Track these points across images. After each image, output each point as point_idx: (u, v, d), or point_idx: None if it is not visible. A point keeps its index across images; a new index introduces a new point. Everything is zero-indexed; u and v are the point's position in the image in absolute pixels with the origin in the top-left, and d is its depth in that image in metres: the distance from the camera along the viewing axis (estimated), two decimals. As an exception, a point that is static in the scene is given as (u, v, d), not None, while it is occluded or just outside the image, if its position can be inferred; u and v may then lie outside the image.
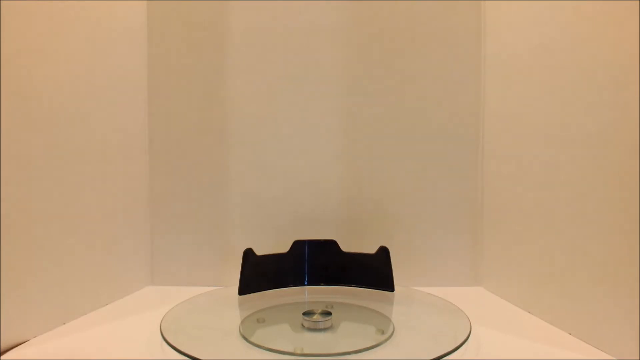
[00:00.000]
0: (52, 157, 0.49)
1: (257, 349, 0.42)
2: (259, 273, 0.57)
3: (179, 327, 0.46)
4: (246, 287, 0.56)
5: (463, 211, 0.65)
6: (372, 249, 0.59)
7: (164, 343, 0.42)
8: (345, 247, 0.60)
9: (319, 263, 0.59)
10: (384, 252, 0.58)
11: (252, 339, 0.44)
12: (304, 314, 0.48)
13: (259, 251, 0.57)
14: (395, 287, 0.57)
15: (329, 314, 0.48)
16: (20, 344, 0.44)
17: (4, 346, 0.42)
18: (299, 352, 0.41)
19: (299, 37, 0.65)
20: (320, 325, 0.46)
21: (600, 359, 0.41)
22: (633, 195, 0.39)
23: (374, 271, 0.58)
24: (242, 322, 0.49)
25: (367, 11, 0.65)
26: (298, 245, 0.59)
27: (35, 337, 0.45)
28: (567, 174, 0.48)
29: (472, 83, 0.65)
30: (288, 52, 0.65)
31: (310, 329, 0.47)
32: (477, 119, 0.65)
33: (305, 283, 0.59)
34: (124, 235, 0.61)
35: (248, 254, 0.56)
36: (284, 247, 0.59)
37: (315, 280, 0.59)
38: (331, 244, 0.60)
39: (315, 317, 0.47)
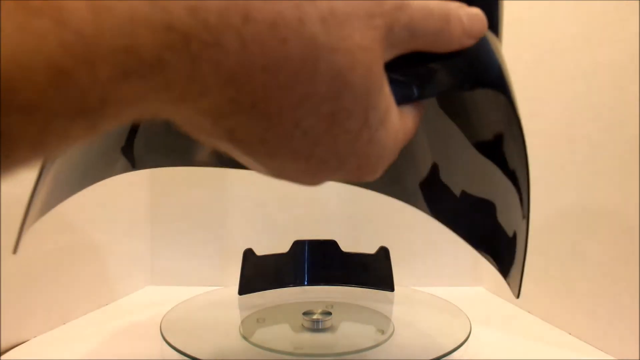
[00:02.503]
0: (52, 157, 0.49)
1: (257, 349, 0.42)
2: (259, 273, 0.57)
3: (179, 327, 0.46)
4: (246, 287, 0.56)
5: (463, 211, 0.65)
6: (372, 249, 0.59)
7: (164, 343, 0.42)
8: (345, 247, 0.60)
9: (319, 263, 0.59)
10: (384, 252, 0.58)
11: (252, 339, 0.44)
12: (304, 314, 0.47)
13: (259, 251, 0.57)
14: (395, 287, 0.57)
15: (329, 314, 0.48)
16: (20, 344, 0.44)
17: (4, 346, 0.42)
18: (299, 352, 0.41)
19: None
20: (320, 325, 0.46)
21: (600, 359, 0.41)
22: (633, 195, 0.39)
23: (374, 271, 0.58)
24: (242, 322, 0.49)
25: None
26: (298, 245, 0.59)
27: (35, 337, 0.45)
28: (567, 173, 0.48)
29: (472, 83, 0.64)
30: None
31: (310, 329, 0.46)
32: (477, 119, 0.65)
33: (305, 283, 0.59)
34: (123, 235, 0.61)
35: (248, 254, 0.56)
36: (284, 247, 0.59)
37: (315, 280, 0.59)
38: (331, 244, 0.59)
39: (315, 317, 0.47)
